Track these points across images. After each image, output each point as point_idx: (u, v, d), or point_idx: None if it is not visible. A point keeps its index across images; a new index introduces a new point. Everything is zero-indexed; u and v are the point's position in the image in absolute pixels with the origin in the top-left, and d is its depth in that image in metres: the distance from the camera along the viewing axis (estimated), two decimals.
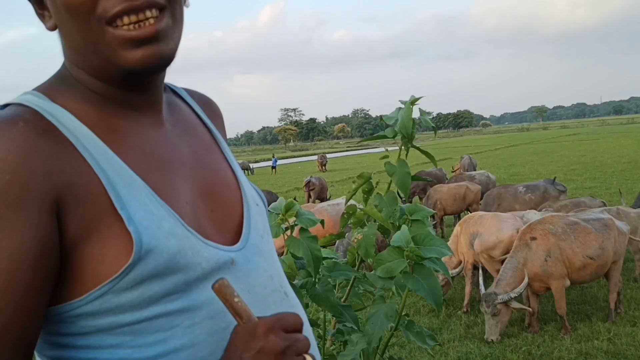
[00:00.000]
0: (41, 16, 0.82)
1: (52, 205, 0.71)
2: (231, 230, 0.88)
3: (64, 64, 0.84)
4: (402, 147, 1.73)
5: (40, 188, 0.70)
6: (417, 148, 1.78)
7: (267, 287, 0.87)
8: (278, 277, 0.92)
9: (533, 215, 6.93)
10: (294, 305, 0.92)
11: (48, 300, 0.74)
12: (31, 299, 0.71)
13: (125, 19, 0.74)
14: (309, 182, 16.46)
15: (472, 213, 7.52)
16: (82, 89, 0.82)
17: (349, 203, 1.83)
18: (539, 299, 5.98)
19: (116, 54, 0.76)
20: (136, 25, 0.75)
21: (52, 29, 0.81)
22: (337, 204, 9.58)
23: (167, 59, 0.79)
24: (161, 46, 0.77)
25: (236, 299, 0.74)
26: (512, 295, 5.32)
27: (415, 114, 1.71)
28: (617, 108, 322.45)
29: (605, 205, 8.47)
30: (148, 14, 0.75)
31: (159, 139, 0.86)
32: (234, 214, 0.91)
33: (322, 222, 1.66)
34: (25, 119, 0.73)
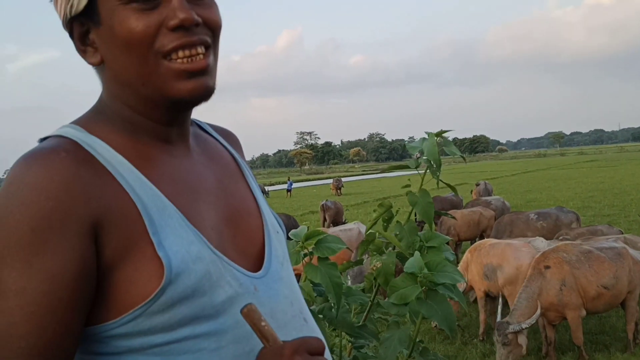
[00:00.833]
0: (83, 52, 0.86)
1: (91, 230, 0.76)
2: (253, 257, 0.93)
3: (101, 98, 0.90)
4: (424, 177, 1.76)
5: (80, 213, 0.75)
6: (441, 180, 1.81)
7: (288, 313, 0.92)
8: (298, 303, 0.96)
9: (540, 242, 6.89)
10: (313, 330, 0.96)
11: (84, 321, 0.78)
12: (71, 320, 0.75)
13: (180, 53, 0.81)
14: (324, 205, 16.49)
15: (482, 241, 7.45)
16: (118, 121, 0.87)
17: (363, 228, 1.86)
18: (556, 328, 5.91)
19: (168, 85, 0.82)
20: (189, 59, 0.82)
21: (96, 64, 0.86)
22: (349, 229, 9.55)
23: (211, 91, 0.86)
24: (207, 79, 0.84)
25: (263, 323, 0.78)
26: (524, 325, 5.25)
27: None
28: (636, 135, 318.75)
29: (622, 234, 8.39)
30: (199, 50, 0.82)
31: (187, 167, 0.91)
32: (256, 241, 0.95)
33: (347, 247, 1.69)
34: (66, 149, 0.79)
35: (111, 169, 0.81)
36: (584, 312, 5.58)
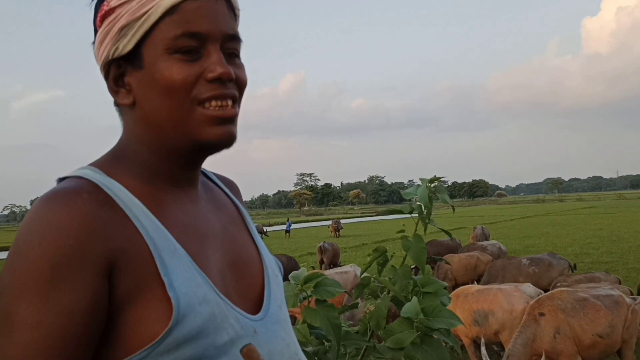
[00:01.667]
0: (115, 93, 0.91)
1: (106, 269, 0.79)
2: (252, 300, 0.98)
3: (120, 141, 0.94)
4: (418, 222, 1.81)
5: (98, 252, 0.78)
6: (434, 225, 1.86)
7: (285, 354, 0.96)
8: (293, 345, 1.01)
9: (527, 288, 6.91)
10: None
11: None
12: (82, 356, 0.78)
13: (213, 103, 0.88)
14: (322, 247, 16.45)
15: (464, 287, 7.35)
16: (136, 165, 0.92)
17: (358, 271, 1.90)
18: None
19: (200, 129, 0.88)
20: (219, 108, 0.89)
21: (128, 104, 0.90)
22: (346, 272, 9.49)
23: (235, 139, 0.93)
24: (232, 128, 0.91)
25: None
26: None
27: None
28: (634, 182, 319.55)
29: (620, 281, 8.37)
30: (229, 102, 0.90)
31: (196, 213, 0.97)
32: (256, 284, 1.01)
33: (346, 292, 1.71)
34: (88, 190, 0.83)
35: (127, 211, 0.84)
36: None
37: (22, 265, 0.76)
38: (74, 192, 0.81)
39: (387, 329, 1.65)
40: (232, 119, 0.91)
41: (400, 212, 1.83)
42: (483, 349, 5.79)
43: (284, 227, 37.41)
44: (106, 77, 0.91)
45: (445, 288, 1.82)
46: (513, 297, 6.53)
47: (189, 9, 0.86)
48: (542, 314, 5.63)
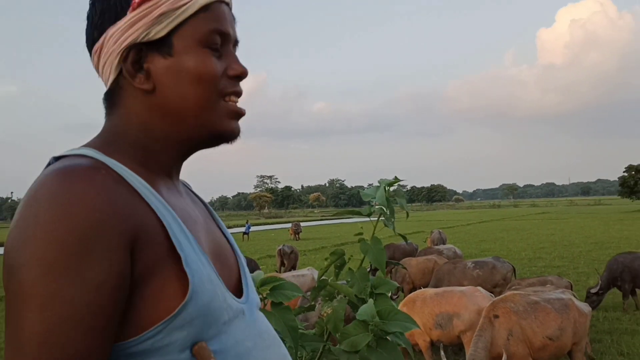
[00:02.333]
0: (132, 76, 0.90)
1: (129, 244, 0.79)
2: (234, 286, 1.00)
3: (114, 128, 0.92)
4: (376, 225, 1.81)
5: (122, 228, 0.78)
6: (392, 229, 1.86)
7: (270, 334, 1.00)
8: (272, 328, 1.05)
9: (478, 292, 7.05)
10: (286, 354, 1.04)
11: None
12: (110, 331, 0.77)
13: (233, 98, 0.96)
14: (282, 250, 16.41)
15: (417, 292, 7.37)
16: (132, 151, 0.92)
17: (315, 274, 1.89)
18: None
19: (221, 121, 0.94)
20: (236, 104, 0.97)
21: (148, 89, 0.90)
22: (302, 275, 9.49)
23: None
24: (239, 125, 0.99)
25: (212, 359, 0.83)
26: None
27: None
28: (585, 189, 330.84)
29: (571, 285, 8.63)
30: (238, 99, 0.98)
31: (184, 201, 1.00)
32: (234, 272, 1.04)
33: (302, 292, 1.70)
34: (104, 167, 0.83)
35: (138, 190, 0.85)
36: None
37: (48, 238, 0.74)
38: (93, 169, 0.81)
39: (342, 332, 1.65)
40: (243, 116, 0.98)
41: (356, 214, 1.83)
42: (442, 353, 5.87)
43: (242, 229, 37.16)
44: (124, 60, 0.90)
45: (399, 290, 1.83)
46: (477, 298, 6.67)
47: (218, 10, 0.93)
48: (496, 316, 5.76)
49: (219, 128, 0.94)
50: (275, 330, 1.06)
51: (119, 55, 0.89)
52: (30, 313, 0.73)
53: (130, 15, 0.89)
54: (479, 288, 7.31)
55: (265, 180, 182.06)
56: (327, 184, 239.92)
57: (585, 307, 6.21)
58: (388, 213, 1.78)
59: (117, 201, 0.79)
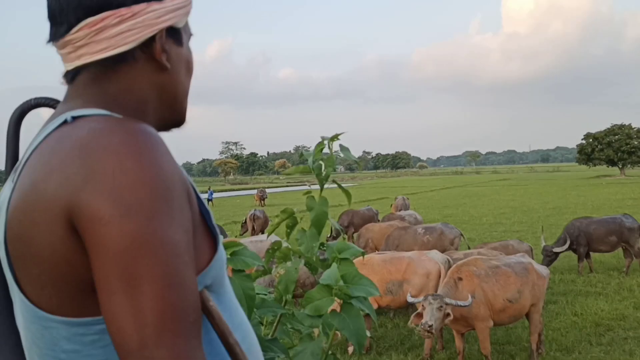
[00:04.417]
0: (160, 54, 0.94)
1: (187, 197, 0.84)
2: None
3: (112, 94, 0.92)
4: (323, 184, 1.78)
5: (185, 180, 0.85)
6: (336, 183, 1.83)
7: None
8: None
9: (435, 254, 7.20)
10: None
11: None
12: (195, 273, 0.82)
13: None
14: (254, 215, 16.37)
15: (366, 257, 7.32)
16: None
17: (274, 239, 1.86)
18: (465, 338, 6.14)
19: (186, 112, 1.04)
20: None
21: (167, 69, 0.95)
22: (260, 240, 9.56)
23: None
24: None
25: (211, 303, 0.88)
26: (461, 303, 5.50)
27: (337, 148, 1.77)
28: (544, 156, 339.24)
29: (532, 249, 8.87)
30: None
31: None
32: None
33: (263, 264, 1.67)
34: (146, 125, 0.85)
35: None
36: (491, 323, 5.85)
37: (143, 188, 0.76)
38: (146, 126, 0.84)
39: (306, 296, 1.63)
40: None
41: (305, 171, 1.80)
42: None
43: (206, 195, 36.98)
44: (158, 39, 0.93)
45: (363, 255, 1.81)
46: (425, 262, 6.83)
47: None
48: (460, 279, 5.89)
49: (185, 115, 1.04)
50: None
51: (159, 31, 0.92)
52: (146, 259, 0.74)
53: (175, 1, 0.95)
54: (436, 251, 7.44)
55: (230, 147, 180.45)
56: (293, 151, 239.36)
57: (543, 270, 6.39)
58: (325, 172, 1.75)
59: (173, 157, 0.85)
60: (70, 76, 0.93)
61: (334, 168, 1.77)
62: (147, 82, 0.94)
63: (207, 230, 0.91)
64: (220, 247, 0.93)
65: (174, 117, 1.02)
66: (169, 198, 0.78)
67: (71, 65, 0.91)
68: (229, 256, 1.59)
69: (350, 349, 6.61)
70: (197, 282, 0.81)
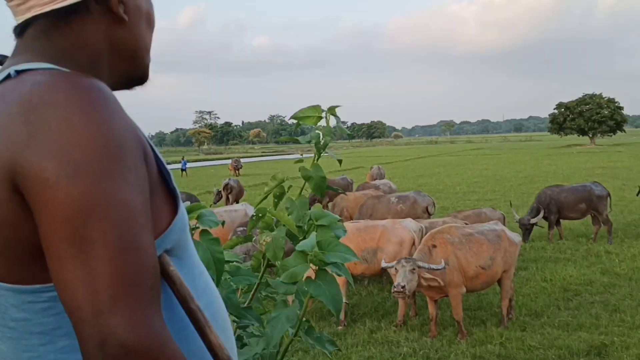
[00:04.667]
0: (115, 4, 0.88)
1: (143, 155, 0.80)
2: None
3: (62, 48, 0.86)
4: (318, 151, 1.77)
5: (139, 138, 0.80)
6: (328, 154, 1.82)
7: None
8: None
9: (409, 223, 7.28)
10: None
11: None
12: (152, 236, 0.78)
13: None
14: (228, 184, 16.27)
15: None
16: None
17: (249, 208, 1.84)
18: (438, 304, 6.26)
19: (148, 66, 0.98)
20: None
21: (122, 21, 0.90)
22: (235, 210, 9.51)
23: None
24: None
25: (171, 268, 0.85)
26: (433, 267, 5.58)
27: (332, 121, 1.75)
28: (518, 126, 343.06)
29: (504, 217, 9.02)
30: None
31: None
32: None
33: (222, 223, 1.65)
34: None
35: None
36: (464, 290, 5.96)
37: (92, 146, 0.71)
38: (94, 81, 0.78)
39: (282, 264, 1.62)
40: None
41: (295, 141, 1.78)
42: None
43: (179, 165, 36.72)
44: None
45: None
46: (398, 230, 6.91)
47: None
48: (434, 246, 5.96)
49: (147, 72, 0.98)
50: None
51: None
52: (98, 222, 0.70)
53: None
54: (410, 220, 7.51)
55: (204, 116, 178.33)
56: (268, 120, 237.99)
57: (515, 238, 6.51)
58: (322, 139, 1.73)
59: (126, 114, 0.79)
60: (19, 30, 0.87)
61: (331, 137, 1.76)
62: (102, 36, 0.88)
63: (166, 191, 0.87)
64: (182, 209, 0.88)
65: (135, 74, 0.96)
66: (121, 157, 0.73)
67: (21, 18, 0.85)
68: (196, 219, 1.57)
69: None
70: (155, 246, 0.77)
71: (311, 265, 1.57)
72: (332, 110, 1.73)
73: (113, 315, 0.69)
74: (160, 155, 0.87)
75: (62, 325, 0.77)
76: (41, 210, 0.70)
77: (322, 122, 1.71)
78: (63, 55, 0.85)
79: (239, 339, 1.72)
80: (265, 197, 1.83)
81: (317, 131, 1.73)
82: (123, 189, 0.72)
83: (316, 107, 1.71)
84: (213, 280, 1.51)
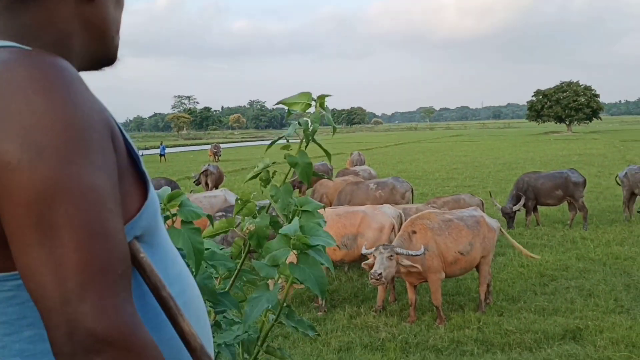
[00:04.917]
0: None
1: (110, 137, 0.77)
2: None
3: (28, 26, 0.82)
4: (304, 138, 1.76)
5: (106, 119, 0.77)
6: (316, 143, 1.81)
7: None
8: None
9: (388, 209, 7.32)
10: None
11: None
12: (120, 218, 0.76)
13: None
14: (207, 170, 16.16)
15: (320, 211, 7.54)
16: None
17: (230, 195, 1.82)
18: (417, 290, 6.31)
19: (118, 46, 0.94)
20: None
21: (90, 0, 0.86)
22: (215, 196, 9.44)
23: None
24: None
25: (142, 255, 0.83)
26: (412, 252, 5.62)
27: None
28: (496, 113, 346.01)
29: (482, 203, 9.11)
30: None
31: None
32: None
33: (209, 216, 1.63)
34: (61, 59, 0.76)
35: None
36: (443, 275, 6.02)
37: (56, 128, 0.68)
38: (57, 59, 0.75)
39: (265, 247, 1.62)
40: None
41: (282, 138, 1.77)
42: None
43: (157, 150, 36.32)
44: None
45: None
46: (379, 216, 6.94)
47: None
48: (414, 232, 6.00)
49: (116, 52, 0.94)
50: (179, 250, 1.03)
51: None
52: (63, 207, 0.67)
53: None
54: (389, 206, 7.55)
55: (183, 101, 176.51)
56: (248, 105, 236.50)
57: (494, 224, 6.58)
58: (311, 125, 1.72)
59: (92, 94, 0.77)
60: None
61: (319, 124, 1.74)
62: (70, 14, 0.84)
63: (136, 175, 0.84)
64: (152, 194, 0.86)
65: (104, 54, 0.92)
66: (87, 139, 0.70)
67: None
68: (177, 208, 1.54)
69: None
70: (124, 231, 0.75)
71: (293, 251, 1.57)
72: (322, 99, 1.71)
73: (81, 303, 0.67)
74: (129, 138, 0.84)
75: (26, 315, 0.74)
76: (3, 196, 0.67)
77: (311, 109, 1.70)
78: (27, 33, 0.81)
79: (217, 325, 1.70)
80: (254, 177, 1.81)
81: (305, 118, 1.72)
82: (89, 172, 0.70)
83: (306, 94, 1.70)
84: (191, 270, 1.50)
